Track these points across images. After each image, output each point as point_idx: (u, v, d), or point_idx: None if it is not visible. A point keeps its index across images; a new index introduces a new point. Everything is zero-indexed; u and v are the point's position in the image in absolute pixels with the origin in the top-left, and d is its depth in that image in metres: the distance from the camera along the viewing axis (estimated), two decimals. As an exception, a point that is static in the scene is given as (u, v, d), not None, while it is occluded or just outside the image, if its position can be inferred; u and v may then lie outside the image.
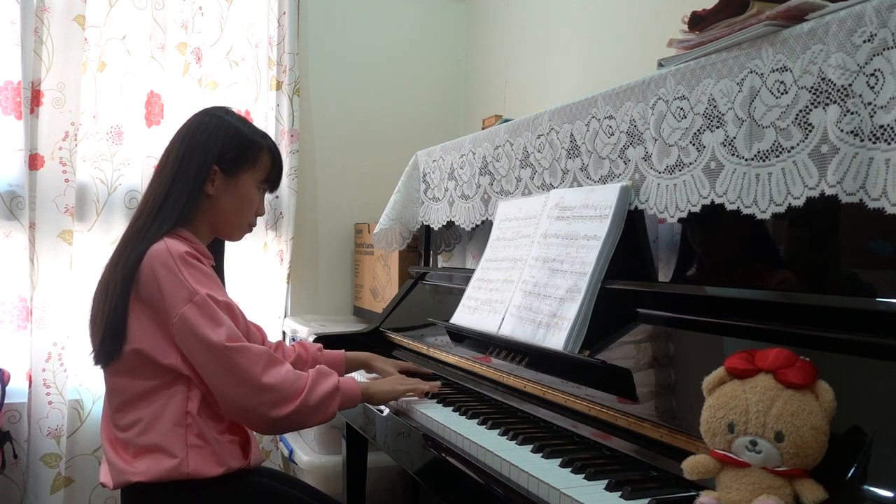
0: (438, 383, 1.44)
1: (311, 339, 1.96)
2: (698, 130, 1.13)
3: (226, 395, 1.20)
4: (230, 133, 1.33)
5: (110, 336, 1.21)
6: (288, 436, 2.47)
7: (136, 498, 1.23)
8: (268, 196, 1.60)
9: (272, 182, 1.42)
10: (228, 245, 1.49)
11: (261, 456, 1.38)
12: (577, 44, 2.26)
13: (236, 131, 1.34)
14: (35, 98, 2.24)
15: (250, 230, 1.43)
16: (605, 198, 1.30)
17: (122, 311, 1.21)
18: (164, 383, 1.22)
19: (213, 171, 1.31)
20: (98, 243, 2.41)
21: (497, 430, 1.17)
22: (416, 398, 1.39)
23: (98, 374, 2.47)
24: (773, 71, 0.99)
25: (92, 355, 1.27)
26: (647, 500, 0.85)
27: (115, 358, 1.22)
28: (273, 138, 2.00)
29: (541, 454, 1.03)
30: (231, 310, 1.26)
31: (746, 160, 1.03)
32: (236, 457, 1.27)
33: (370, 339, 2.02)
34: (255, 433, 1.39)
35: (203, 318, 1.18)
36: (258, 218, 1.43)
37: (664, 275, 1.28)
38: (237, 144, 1.33)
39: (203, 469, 1.20)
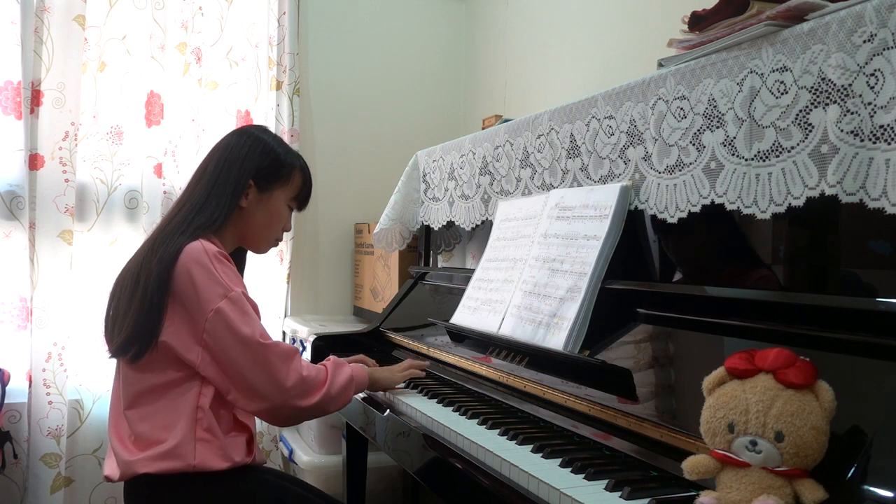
0: (426, 363, 1.60)
1: (310, 339, 1.97)
2: (698, 130, 1.13)
3: (257, 390, 1.24)
4: (266, 151, 1.42)
5: (143, 332, 1.24)
6: (288, 436, 2.47)
7: (141, 491, 1.24)
8: None
9: (301, 200, 1.51)
10: None
11: (263, 456, 1.41)
12: (577, 44, 2.26)
13: (271, 150, 1.43)
14: (35, 98, 2.24)
15: (276, 244, 1.51)
16: (605, 198, 1.30)
17: (158, 307, 1.24)
18: (180, 378, 1.25)
19: (249, 186, 1.39)
20: (98, 243, 2.41)
21: (497, 430, 1.17)
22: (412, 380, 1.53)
23: (98, 374, 2.47)
24: (773, 71, 0.99)
25: (112, 349, 1.29)
26: (647, 500, 0.85)
27: (146, 353, 1.24)
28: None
29: (541, 454, 1.03)
30: (258, 310, 1.32)
31: (746, 160, 1.03)
32: (241, 452, 1.29)
33: (370, 339, 2.02)
34: (257, 432, 1.40)
35: (238, 313, 1.24)
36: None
37: (664, 275, 1.28)
38: (272, 162, 1.42)
39: (209, 462, 1.22)
